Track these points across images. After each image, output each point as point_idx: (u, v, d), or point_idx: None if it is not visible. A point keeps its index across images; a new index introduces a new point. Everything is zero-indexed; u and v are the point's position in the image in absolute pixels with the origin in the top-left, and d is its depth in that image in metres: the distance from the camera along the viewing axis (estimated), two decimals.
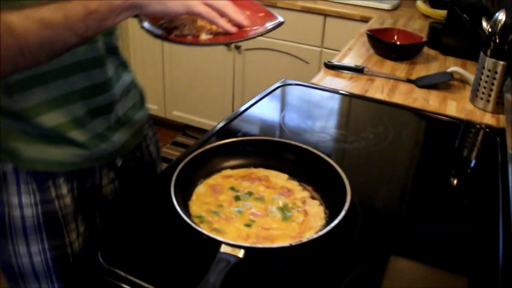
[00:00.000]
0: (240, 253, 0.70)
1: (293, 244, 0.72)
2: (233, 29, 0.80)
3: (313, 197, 0.89)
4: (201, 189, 0.89)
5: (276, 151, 0.97)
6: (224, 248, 0.70)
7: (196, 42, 0.81)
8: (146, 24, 0.81)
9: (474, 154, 1.19)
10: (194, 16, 0.79)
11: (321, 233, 0.74)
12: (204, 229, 0.78)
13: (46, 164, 0.86)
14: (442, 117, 1.30)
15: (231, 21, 0.80)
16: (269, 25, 0.84)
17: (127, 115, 0.98)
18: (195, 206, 0.84)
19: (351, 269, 0.77)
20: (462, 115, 1.33)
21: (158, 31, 0.82)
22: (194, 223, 0.78)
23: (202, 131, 2.97)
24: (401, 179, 1.06)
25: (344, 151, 1.10)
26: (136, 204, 0.90)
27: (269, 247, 0.72)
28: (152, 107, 3.04)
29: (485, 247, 0.84)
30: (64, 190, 0.90)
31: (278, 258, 0.77)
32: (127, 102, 0.99)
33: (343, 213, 0.77)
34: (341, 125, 1.22)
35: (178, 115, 3.05)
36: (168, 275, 0.75)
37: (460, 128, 1.27)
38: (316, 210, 0.85)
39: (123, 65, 0.98)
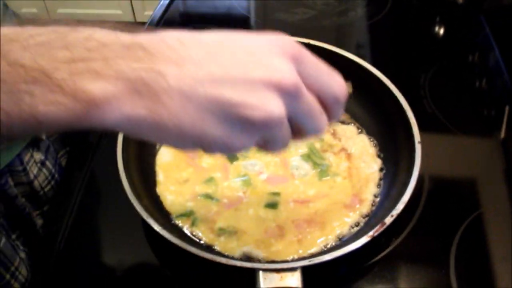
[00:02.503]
0: (295, 279, 0.39)
1: (375, 234, 0.41)
2: None
3: (342, 121, 0.57)
4: (165, 157, 0.53)
5: None
6: (265, 280, 0.38)
7: None
8: None
9: None
10: None
11: (406, 196, 0.43)
12: (204, 236, 0.45)
13: None
14: None
15: None
16: None
17: None
18: (168, 193, 0.49)
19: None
20: None
21: None
22: (179, 231, 0.45)
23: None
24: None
25: (339, 29, 0.76)
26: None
27: (339, 255, 0.40)
28: (30, 10, 2.42)
29: None
30: None
31: (355, 262, 0.46)
32: None
33: (418, 150, 0.46)
34: None
35: (65, 12, 2.47)
36: None
37: None
38: (360, 144, 0.53)
39: None
